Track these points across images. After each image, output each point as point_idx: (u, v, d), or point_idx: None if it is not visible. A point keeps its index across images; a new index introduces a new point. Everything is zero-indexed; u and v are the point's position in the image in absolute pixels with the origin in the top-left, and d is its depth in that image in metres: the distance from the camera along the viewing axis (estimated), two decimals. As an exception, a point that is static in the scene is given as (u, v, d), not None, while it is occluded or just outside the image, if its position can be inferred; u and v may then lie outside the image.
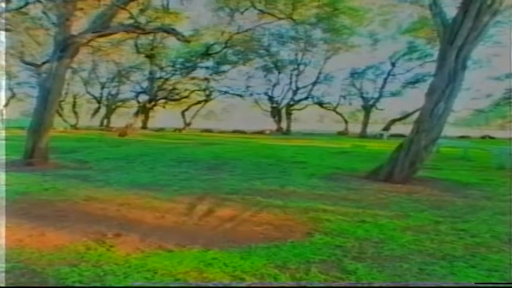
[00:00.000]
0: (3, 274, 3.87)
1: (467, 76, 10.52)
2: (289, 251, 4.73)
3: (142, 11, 19.21)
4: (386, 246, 4.99)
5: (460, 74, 10.15)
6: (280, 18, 27.79)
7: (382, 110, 44.51)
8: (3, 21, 16.08)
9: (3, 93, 34.76)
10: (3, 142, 17.78)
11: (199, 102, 45.28)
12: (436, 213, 6.96)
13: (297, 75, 43.31)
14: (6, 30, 18.65)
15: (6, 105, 40.35)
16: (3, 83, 33.05)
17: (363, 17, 32.01)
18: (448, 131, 23.99)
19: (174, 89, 40.17)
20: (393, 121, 42.77)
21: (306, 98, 44.66)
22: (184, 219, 6.16)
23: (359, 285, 3.52)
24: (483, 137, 39.69)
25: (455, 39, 9.93)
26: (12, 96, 40.40)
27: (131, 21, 14.84)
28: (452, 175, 11.90)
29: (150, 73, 37.54)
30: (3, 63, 29.72)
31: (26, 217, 6.00)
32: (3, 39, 22.57)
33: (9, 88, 39.71)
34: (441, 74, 10.20)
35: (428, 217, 6.63)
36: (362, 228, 5.83)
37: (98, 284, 3.70)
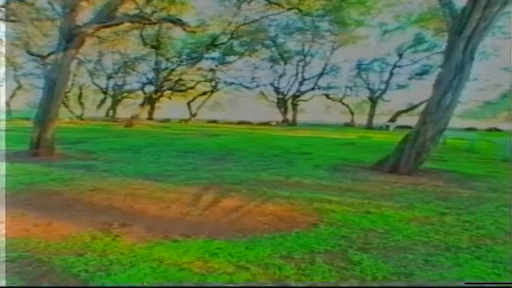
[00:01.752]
0: (4, 265, 3.90)
1: (475, 67, 10.45)
2: (294, 241, 4.73)
3: (148, 1, 19.15)
4: (391, 237, 4.99)
5: (467, 65, 10.06)
6: (287, 9, 27.56)
7: (388, 101, 44.38)
8: (7, 11, 16.12)
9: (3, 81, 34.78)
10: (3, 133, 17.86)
11: (205, 93, 45.26)
12: (442, 204, 6.94)
13: (304, 66, 43.18)
14: (11, 20, 18.69)
15: (12, 96, 40.43)
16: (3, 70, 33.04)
17: (371, 7, 31.78)
18: (455, 123, 23.84)
19: (180, 79, 40.07)
20: (399, 112, 42.60)
21: (312, 89, 44.54)
22: (189, 210, 6.17)
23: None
24: (489, 129, 39.44)
25: (463, 30, 9.83)
26: (18, 87, 40.45)
27: (137, 11, 14.80)
28: (458, 167, 11.85)
29: (156, 64, 37.53)
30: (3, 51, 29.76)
31: (32, 207, 6.03)
32: (3, 29, 22.63)
33: (15, 79, 39.76)
34: (449, 65, 10.11)
35: (434, 208, 6.61)
36: (367, 219, 5.83)
37: (103, 273, 3.72)
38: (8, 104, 40.38)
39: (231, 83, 45.85)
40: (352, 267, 4.03)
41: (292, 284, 3.48)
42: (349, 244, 4.72)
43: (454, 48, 10.01)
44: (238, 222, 5.59)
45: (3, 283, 3.53)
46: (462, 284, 3.59)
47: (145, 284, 3.51)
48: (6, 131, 19.92)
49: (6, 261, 3.97)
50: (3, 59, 32.57)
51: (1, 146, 13.15)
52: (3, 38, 25.78)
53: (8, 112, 38.66)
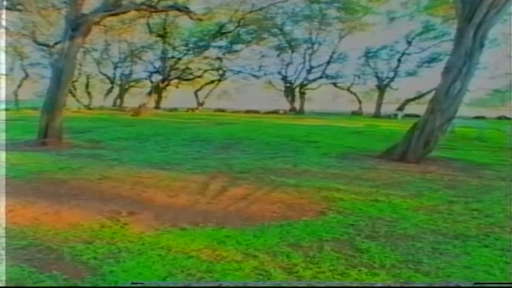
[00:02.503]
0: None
1: (484, 55, 10.35)
2: (302, 230, 4.73)
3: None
4: (399, 226, 4.98)
5: (477, 53, 9.97)
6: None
7: (396, 89, 44.09)
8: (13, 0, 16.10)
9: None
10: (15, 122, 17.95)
11: (212, 81, 45.16)
12: (450, 193, 6.92)
13: (311, 54, 42.87)
14: (17, 10, 18.69)
15: (19, 86, 40.54)
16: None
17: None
18: (464, 111, 23.68)
19: (187, 68, 40.00)
20: (408, 101, 42.30)
21: (320, 78, 44.29)
22: (197, 198, 6.19)
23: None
24: (499, 118, 39.12)
25: (473, 17, 9.71)
26: (25, 77, 40.53)
27: (143, -1, 14.76)
28: (467, 155, 11.79)
29: (163, 53, 37.42)
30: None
31: (41, 195, 6.08)
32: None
33: (22, 69, 39.84)
34: (458, 53, 10.02)
35: (442, 197, 6.59)
36: (375, 207, 5.82)
37: (112, 261, 3.74)
38: (15, 93, 40.52)
39: (239, 72, 45.71)
40: (360, 255, 4.02)
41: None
42: (357, 232, 4.72)
43: (464, 35, 9.90)
44: (246, 210, 5.60)
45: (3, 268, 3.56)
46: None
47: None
48: (14, 120, 20.03)
49: (17, 248, 4.01)
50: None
51: (3, 137, 13.21)
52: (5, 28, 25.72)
53: (16, 102, 38.79)
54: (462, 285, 3.54)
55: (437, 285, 3.52)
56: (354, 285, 3.49)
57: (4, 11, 20.48)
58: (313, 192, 6.67)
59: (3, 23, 24.51)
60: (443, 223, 5.12)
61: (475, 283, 3.57)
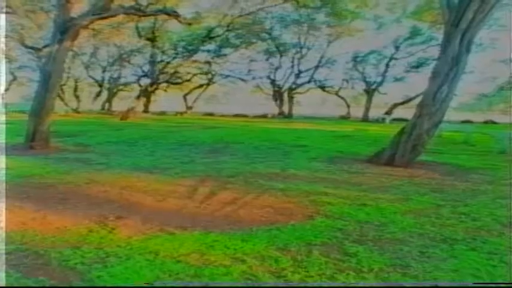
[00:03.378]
0: (4, 256, 3.90)
1: (471, 59, 10.46)
2: (290, 234, 4.74)
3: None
4: (387, 229, 5.00)
5: (464, 57, 10.07)
6: (284, 1, 27.42)
7: (384, 94, 44.41)
8: (1, 3, 15.98)
9: (3, 77, 34.63)
10: (3, 126, 17.77)
11: (201, 85, 45.22)
12: (437, 196, 6.97)
13: (300, 58, 43.18)
14: (5, 12, 18.55)
15: (7, 89, 40.23)
16: (3, 67, 32.93)
17: (367, 0, 31.74)
18: (451, 115, 23.90)
19: (176, 72, 39.98)
20: (395, 105, 42.62)
21: (308, 82, 44.58)
22: (185, 202, 6.17)
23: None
24: (486, 122, 39.54)
25: (460, 22, 9.81)
26: (13, 80, 40.24)
27: (132, 3, 14.74)
28: (454, 159, 11.89)
29: (152, 56, 37.32)
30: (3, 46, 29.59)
31: (28, 200, 6.01)
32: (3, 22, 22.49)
33: (10, 72, 39.56)
34: (445, 57, 10.12)
35: (430, 201, 6.64)
36: (363, 211, 5.84)
37: (99, 266, 3.71)
38: (3, 97, 40.19)
39: (227, 76, 45.82)
40: (348, 259, 4.03)
41: (290, 284, 3.48)
42: (345, 236, 4.73)
43: (451, 40, 10.01)
44: (235, 214, 5.60)
45: (2, 275, 3.52)
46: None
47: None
48: (1, 123, 19.84)
49: (4, 253, 3.96)
50: None
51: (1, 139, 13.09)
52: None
53: (3, 105, 38.46)
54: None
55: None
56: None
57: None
58: (301, 197, 6.68)
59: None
60: (430, 227, 5.15)
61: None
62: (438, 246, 4.48)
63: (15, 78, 40.31)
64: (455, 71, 10.04)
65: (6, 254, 3.95)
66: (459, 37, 9.89)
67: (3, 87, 35.52)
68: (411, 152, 10.45)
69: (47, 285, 3.37)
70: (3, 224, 4.81)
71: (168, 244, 4.30)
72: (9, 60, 37.64)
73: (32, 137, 12.02)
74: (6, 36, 29.85)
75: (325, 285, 3.49)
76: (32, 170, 8.46)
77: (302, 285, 3.49)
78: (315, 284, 3.49)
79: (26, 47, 31.05)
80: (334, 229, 4.98)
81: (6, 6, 18.85)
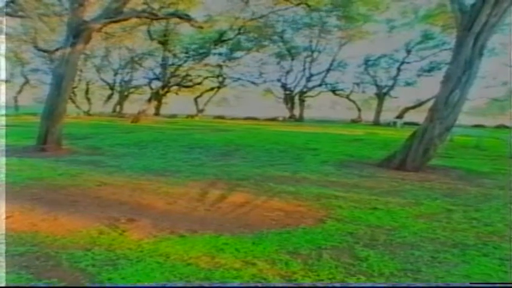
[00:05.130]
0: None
1: (483, 64, 10.38)
2: (300, 237, 4.73)
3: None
4: (398, 234, 4.98)
5: (476, 62, 10.00)
6: (295, 5, 27.35)
7: (396, 97, 44.16)
8: (15, 6, 16.14)
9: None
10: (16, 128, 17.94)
11: (212, 88, 45.21)
12: (449, 201, 6.92)
13: (311, 62, 43.02)
14: (18, 16, 18.74)
15: (19, 91, 40.63)
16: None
17: (379, 2, 31.65)
18: (463, 119, 23.69)
19: (187, 75, 40.04)
20: (407, 109, 42.35)
21: (319, 85, 44.40)
22: (196, 205, 6.19)
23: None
24: (498, 126, 39.18)
25: (472, 26, 9.75)
26: (25, 83, 40.62)
27: (144, 7, 14.82)
28: (466, 164, 11.79)
29: (163, 59, 37.48)
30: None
31: (39, 202, 6.06)
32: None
33: (23, 74, 39.94)
34: (457, 62, 10.05)
35: (441, 205, 6.59)
36: (374, 215, 5.82)
37: (110, 268, 3.73)
38: (15, 99, 40.58)
39: (238, 79, 45.81)
40: (358, 263, 4.02)
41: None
42: (356, 240, 4.72)
43: (463, 44, 9.94)
44: (245, 217, 5.60)
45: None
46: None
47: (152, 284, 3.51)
48: (13, 126, 20.03)
49: (15, 255, 4.00)
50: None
51: (3, 142, 13.21)
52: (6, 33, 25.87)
53: (16, 108, 38.83)
54: (463, 285, 3.53)
55: (439, 286, 3.52)
56: (351, 285, 3.49)
57: (5, 17, 20.55)
58: (312, 200, 6.67)
59: (4, 28, 24.64)
60: (442, 232, 5.11)
61: (480, 283, 3.57)
62: (449, 251, 4.45)
63: (27, 81, 40.65)
64: (467, 75, 9.97)
65: (17, 255, 3.99)
66: (472, 41, 9.82)
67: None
68: (422, 156, 10.39)
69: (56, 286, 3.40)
70: (14, 226, 4.86)
71: (178, 247, 4.31)
72: (21, 63, 38.04)
73: (44, 139, 12.11)
74: (19, 40, 30.20)
75: (330, 286, 3.47)
76: (43, 172, 8.52)
77: (306, 285, 3.47)
78: (322, 285, 3.48)
79: (39, 50, 31.30)
80: (345, 233, 4.96)
81: (20, 10, 19.02)
